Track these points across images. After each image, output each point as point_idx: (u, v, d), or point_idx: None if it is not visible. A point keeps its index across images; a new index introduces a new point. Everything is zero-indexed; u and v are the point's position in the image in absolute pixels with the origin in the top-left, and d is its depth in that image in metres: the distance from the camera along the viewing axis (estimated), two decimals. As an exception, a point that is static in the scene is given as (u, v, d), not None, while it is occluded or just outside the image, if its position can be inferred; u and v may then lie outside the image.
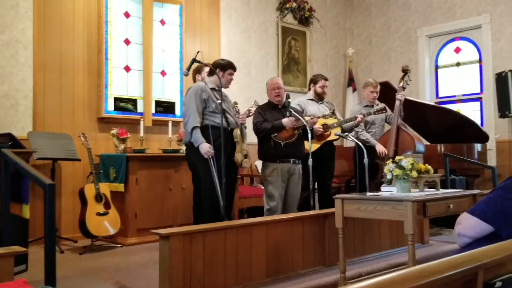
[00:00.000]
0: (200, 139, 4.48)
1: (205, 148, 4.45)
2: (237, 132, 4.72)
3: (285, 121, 4.92)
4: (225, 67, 4.77)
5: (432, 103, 7.74)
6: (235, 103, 4.90)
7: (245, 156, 4.72)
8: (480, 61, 7.95)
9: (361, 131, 5.95)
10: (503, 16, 7.58)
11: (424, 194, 3.62)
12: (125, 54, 6.19)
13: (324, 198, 5.50)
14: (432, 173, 3.89)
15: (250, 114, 5.11)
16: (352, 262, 4.29)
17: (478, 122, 7.59)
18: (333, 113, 5.28)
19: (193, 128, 4.53)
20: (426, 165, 3.91)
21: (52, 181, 2.70)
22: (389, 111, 6.09)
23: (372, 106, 6.07)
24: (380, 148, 5.83)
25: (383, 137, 5.98)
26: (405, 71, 6.10)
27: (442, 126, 6.67)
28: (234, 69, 4.84)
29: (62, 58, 5.77)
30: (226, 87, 4.79)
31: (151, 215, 5.55)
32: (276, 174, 4.92)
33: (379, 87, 6.16)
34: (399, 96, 5.93)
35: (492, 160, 7.32)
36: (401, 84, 6.05)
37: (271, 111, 5.10)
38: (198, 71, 5.35)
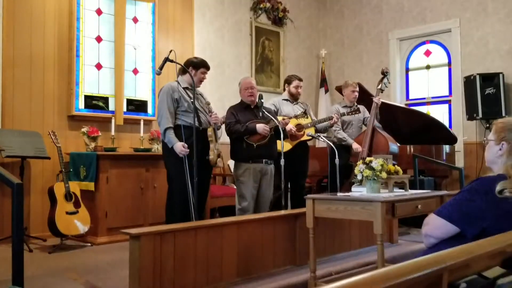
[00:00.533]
0: (174, 140, 4.49)
1: (179, 147, 4.47)
2: (210, 131, 4.71)
3: (259, 128, 4.91)
4: (197, 65, 4.77)
5: (402, 105, 7.85)
6: (208, 104, 4.87)
7: (219, 156, 4.72)
8: (449, 64, 8.08)
9: (338, 130, 6.01)
10: (471, 21, 7.73)
11: (393, 194, 3.66)
12: (97, 52, 6.11)
13: (297, 198, 5.53)
14: (401, 174, 3.93)
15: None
16: (322, 261, 4.32)
17: (446, 124, 7.73)
18: (304, 113, 5.29)
19: (166, 129, 4.54)
20: (396, 166, 3.96)
21: (20, 181, 2.65)
22: (366, 113, 6.16)
23: (351, 107, 6.13)
24: (356, 145, 5.89)
25: (358, 138, 6.04)
26: (384, 74, 6.16)
27: (412, 128, 6.77)
28: (207, 67, 4.83)
29: (32, 54, 5.67)
30: (198, 86, 4.78)
31: (122, 214, 5.50)
32: (248, 174, 4.93)
33: (358, 87, 6.22)
34: (376, 99, 5.99)
35: (460, 162, 7.46)
36: (379, 86, 6.11)
37: (243, 112, 5.10)
38: (181, 70, 5.34)
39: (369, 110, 6.11)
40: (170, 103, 4.58)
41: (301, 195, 5.47)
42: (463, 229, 2.05)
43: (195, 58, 4.92)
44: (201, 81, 4.81)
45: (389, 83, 6.25)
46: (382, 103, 6.28)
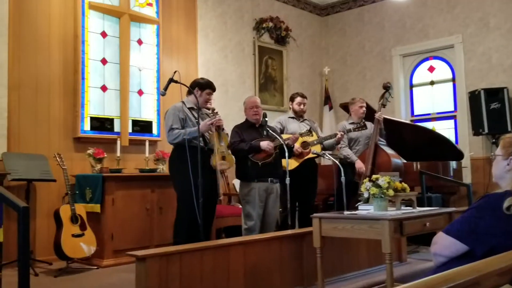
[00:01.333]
0: (189, 129, 4.57)
1: (205, 126, 4.58)
2: (213, 135, 4.70)
3: (263, 144, 4.93)
4: (203, 86, 4.81)
5: (408, 121, 7.86)
6: (213, 110, 4.85)
7: (223, 158, 4.68)
8: (453, 79, 8.10)
9: (343, 147, 6.00)
10: (473, 36, 7.76)
11: (400, 212, 3.65)
12: (102, 74, 6.16)
13: (305, 217, 5.50)
14: (408, 191, 3.93)
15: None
16: (331, 281, 4.29)
17: (452, 140, 7.71)
18: (309, 131, 5.29)
19: (175, 128, 4.61)
20: (402, 183, 3.94)
21: (27, 204, 2.65)
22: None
23: (359, 123, 6.13)
24: (359, 164, 5.87)
25: (362, 155, 6.03)
26: (386, 88, 6.17)
27: (418, 144, 6.76)
28: (213, 89, 4.87)
29: (37, 77, 5.72)
30: (203, 106, 4.81)
31: (128, 236, 5.49)
32: (254, 194, 4.92)
33: (365, 103, 6.23)
34: (377, 115, 5.99)
35: (467, 178, 7.43)
36: (381, 102, 6.11)
37: (248, 131, 5.12)
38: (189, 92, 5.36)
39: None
40: (177, 119, 4.65)
41: (310, 214, 5.44)
42: (472, 247, 2.03)
43: (202, 79, 4.98)
44: (206, 102, 4.84)
45: (391, 97, 6.26)
46: (387, 119, 6.28)
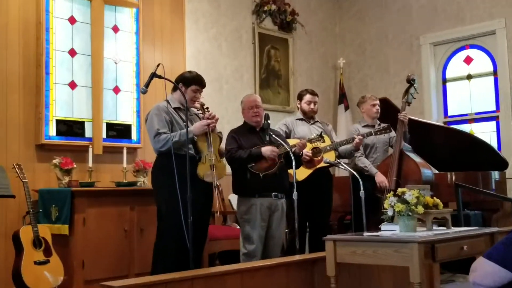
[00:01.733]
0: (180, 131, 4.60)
1: (200, 125, 4.63)
2: (199, 141, 4.70)
3: (265, 150, 4.93)
4: (188, 81, 4.80)
5: (440, 124, 7.85)
6: (203, 106, 4.85)
7: (211, 168, 4.67)
8: (495, 73, 8.10)
9: (359, 156, 6.00)
10: (520, 20, 7.77)
11: (432, 233, 3.65)
12: (70, 68, 6.16)
13: (317, 239, 5.48)
14: (441, 207, 3.93)
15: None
16: (348, 317, 4.28)
17: (494, 145, 7.71)
18: (320, 136, 5.27)
19: (162, 133, 4.63)
20: (434, 198, 3.94)
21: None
22: (393, 133, 6.15)
23: (374, 125, 6.12)
24: (380, 178, 5.86)
25: (383, 165, 6.02)
26: (410, 82, 6.17)
27: (452, 151, 6.76)
28: (201, 84, 4.86)
29: (-8, 72, 5.73)
30: (190, 106, 4.80)
31: (102, 263, 5.48)
32: (255, 212, 4.92)
33: (378, 101, 6.24)
34: (401, 115, 5.99)
35: (512, 191, 7.42)
36: (405, 99, 6.12)
37: (247, 135, 5.12)
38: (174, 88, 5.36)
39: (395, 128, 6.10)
40: (162, 120, 4.65)
41: (322, 236, 5.43)
42: (520, 275, 2.03)
43: (189, 72, 4.98)
44: (193, 101, 4.85)
45: (417, 93, 6.26)
46: (414, 121, 6.28)
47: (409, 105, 6.15)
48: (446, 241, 3.60)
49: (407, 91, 6.16)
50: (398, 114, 6.02)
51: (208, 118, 4.75)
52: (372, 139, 6.04)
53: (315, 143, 5.38)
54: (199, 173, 4.62)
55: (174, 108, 4.76)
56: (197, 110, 4.97)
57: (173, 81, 4.80)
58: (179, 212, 4.31)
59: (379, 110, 6.21)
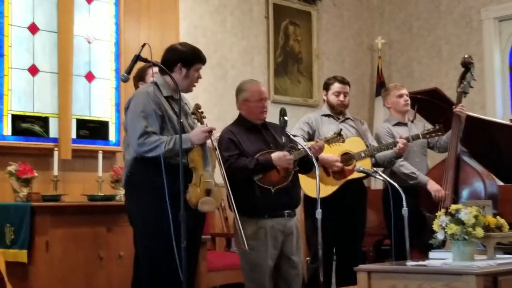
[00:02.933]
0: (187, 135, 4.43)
1: (200, 132, 4.46)
2: (196, 153, 4.53)
3: (276, 157, 4.86)
4: (189, 60, 4.63)
5: (506, 122, 7.80)
6: (198, 109, 4.74)
7: (207, 193, 4.58)
8: None
9: (402, 161, 5.97)
10: None
11: (495, 263, 3.64)
12: (30, 48, 6.19)
13: (347, 270, 5.47)
14: (507, 229, 3.91)
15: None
16: None
17: None
18: (339, 135, 5.19)
19: (149, 133, 4.42)
20: (498, 218, 3.92)
21: None
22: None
23: (406, 123, 6.10)
24: (435, 186, 5.84)
25: (433, 172, 6.00)
26: (467, 66, 6.14)
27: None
28: (203, 60, 4.72)
29: None
30: (190, 90, 4.74)
31: (71, 299, 5.50)
32: (264, 236, 4.90)
33: (405, 89, 6.22)
34: (458, 109, 5.96)
35: None
36: (460, 88, 6.09)
37: (247, 136, 5.07)
38: (140, 76, 5.33)
39: (447, 128, 6.05)
40: (153, 114, 4.47)
41: (354, 265, 5.41)
42: None
43: (182, 45, 4.79)
44: (194, 83, 4.73)
45: (474, 80, 6.22)
46: (472, 118, 6.25)
47: (465, 96, 6.12)
48: (512, 273, 3.59)
49: (462, 78, 6.13)
50: (453, 107, 5.99)
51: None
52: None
53: (334, 143, 5.30)
54: (190, 199, 4.47)
55: (165, 98, 4.62)
56: (188, 108, 4.82)
57: (163, 60, 4.62)
58: (167, 236, 4.27)
59: (408, 102, 6.17)
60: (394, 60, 9.35)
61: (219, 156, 4.74)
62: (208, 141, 4.63)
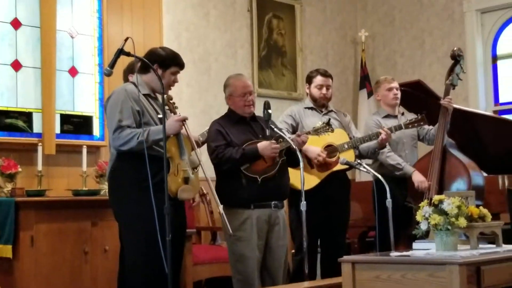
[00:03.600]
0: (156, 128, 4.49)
1: (173, 121, 4.51)
2: (172, 142, 4.58)
3: (262, 147, 4.90)
4: (165, 61, 4.73)
5: (488, 113, 7.84)
6: (170, 100, 4.80)
7: (185, 181, 4.63)
8: (559, 48, 8.11)
9: (388, 152, 6.00)
10: None
11: (477, 252, 3.66)
12: (13, 43, 6.16)
13: (331, 261, 5.48)
14: (489, 220, 3.93)
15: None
16: None
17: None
18: (327, 125, 5.23)
19: (124, 127, 4.47)
20: (481, 208, 3.94)
21: None
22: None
23: (395, 115, 6.12)
24: (419, 177, 5.86)
25: (420, 164, 6.03)
26: (456, 58, 6.15)
27: (504, 149, 6.74)
28: (181, 65, 4.82)
29: None
30: (166, 92, 4.77)
31: (56, 294, 5.50)
32: (250, 227, 4.93)
33: (396, 83, 6.24)
34: (446, 101, 5.98)
35: None
36: (449, 80, 6.10)
37: (235, 128, 5.11)
38: (132, 69, 5.34)
39: (431, 119, 6.07)
40: (128, 110, 4.52)
41: (338, 257, 5.43)
42: None
43: (162, 49, 4.90)
44: (170, 86, 4.80)
45: (463, 72, 6.24)
46: (456, 110, 6.27)
47: (453, 88, 6.14)
48: (495, 262, 3.61)
49: (451, 70, 6.14)
50: (441, 99, 6.00)
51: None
52: (398, 133, 6.01)
53: (323, 134, 5.33)
54: (169, 188, 4.47)
55: (144, 96, 4.68)
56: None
57: (147, 60, 4.70)
58: (152, 230, 4.28)
59: (398, 95, 6.19)
60: (377, 53, 9.37)
61: (195, 144, 4.82)
62: (183, 131, 4.68)
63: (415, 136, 6.25)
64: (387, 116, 6.17)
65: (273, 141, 4.93)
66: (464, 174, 5.87)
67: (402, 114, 6.19)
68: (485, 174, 6.52)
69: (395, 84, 6.22)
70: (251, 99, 5.14)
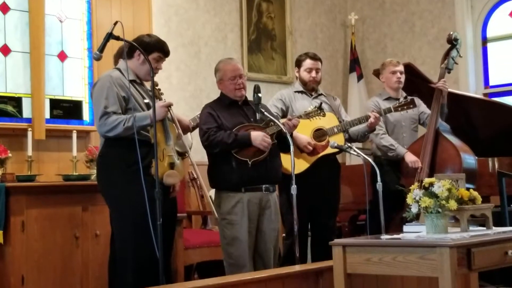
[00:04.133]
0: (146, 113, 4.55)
1: (158, 107, 4.52)
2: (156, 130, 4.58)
3: (255, 136, 4.92)
4: (148, 47, 4.72)
5: (478, 96, 7.85)
6: (155, 85, 4.80)
7: (171, 166, 4.64)
8: (549, 30, 8.12)
9: (382, 134, 6.01)
10: None
11: (468, 235, 3.67)
12: (1, 28, 6.14)
13: (321, 245, 5.51)
14: (480, 202, 3.94)
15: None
16: None
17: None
18: (319, 109, 5.25)
19: (110, 113, 4.52)
20: (471, 190, 3.95)
21: None
22: (423, 107, 6.14)
23: (398, 98, 6.12)
24: (411, 158, 5.88)
25: (413, 146, 6.05)
26: (452, 42, 6.15)
27: (494, 131, 6.76)
28: (164, 52, 4.82)
29: None
30: (147, 79, 4.78)
31: (47, 280, 5.48)
32: (241, 210, 4.94)
33: (402, 66, 6.23)
34: (441, 84, 5.99)
35: None
36: (444, 64, 6.11)
37: (227, 111, 5.12)
38: (121, 54, 5.33)
39: (425, 104, 6.10)
40: (113, 96, 4.56)
41: (328, 241, 5.45)
42: None
43: (149, 36, 4.92)
44: (153, 72, 4.78)
45: (460, 56, 6.24)
46: (450, 94, 6.28)
47: (449, 72, 6.15)
48: (485, 244, 3.62)
49: (447, 55, 6.15)
50: (434, 84, 6.00)
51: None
52: (396, 116, 6.03)
53: (314, 117, 5.34)
54: (154, 173, 4.49)
55: (130, 81, 4.65)
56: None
57: (137, 44, 4.70)
58: (143, 214, 4.29)
59: (401, 79, 6.19)
60: (367, 36, 9.36)
61: (180, 130, 4.84)
62: (168, 115, 4.74)
63: (415, 120, 6.25)
64: (389, 98, 6.16)
65: (267, 135, 4.95)
66: (455, 157, 5.87)
67: (405, 97, 6.18)
68: (476, 157, 6.55)
69: (399, 68, 6.20)
70: (242, 82, 5.13)
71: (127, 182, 4.48)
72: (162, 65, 4.89)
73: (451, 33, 6.22)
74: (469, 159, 5.96)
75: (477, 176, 5.98)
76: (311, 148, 5.55)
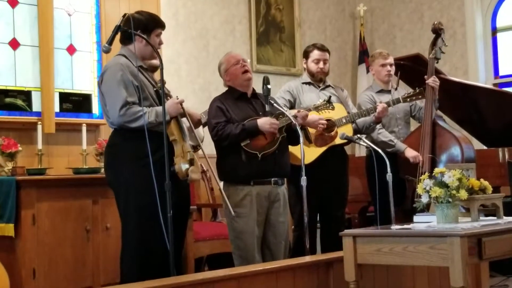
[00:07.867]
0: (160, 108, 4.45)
1: (173, 103, 4.54)
2: (172, 126, 4.57)
3: (262, 122, 4.93)
4: (147, 25, 4.65)
5: (489, 86, 7.84)
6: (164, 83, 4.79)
7: (191, 162, 4.60)
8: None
9: (380, 129, 6.01)
10: None
11: (478, 224, 3.68)
12: (11, 21, 6.15)
13: (331, 236, 5.53)
14: (490, 192, 3.94)
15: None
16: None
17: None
18: (328, 102, 5.27)
19: (129, 104, 4.44)
20: (482, 180, 3.96)
21: None
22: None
23: (389, 90, 6.12)
24: (412, 153, 5.87)
25: (409, 139, 6.05)
26: (437, 32, 6.16)
27: (504, 121, 6.76)
28: (163, 25, 4.78)
29: None
30: (154, 57, 4.76)
31: (58, 273, 5.51)
32: (250, 203, 4.96)
33: (392, 58, 6.22)
34: (431, 81, 5.97)
35: None
36: (432, 54, 6.11)
37: (236, 105, 5.13)
38: (122, 40, 5.31)
39: None
40: (131, 85, 4.48)
41: (337, 232, 5.46)
42: None
43: (139, 13, 4.80)
44: (157, 49, 4.75)
45: (445, 45, 6.23)
46: (456, 84, 6.28)
47: (437, 62, 6.14)
48: (496, 234, 3.62)
49: (434, 44, 6.14)
50: (426, 78, 6.00)
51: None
52: (391, 109, 6.00)
53: (323, 110, 5.36)
54: (179, 170, 4.50)
55: (137, 67, 4.60)
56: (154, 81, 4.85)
57: (122, 30, 4.57)
58: (154, 205, 4.29)
59: (391, 72, 6.17)
60: (376, 27, 9.35)
61: (191, 123, 4.83)
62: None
63: (408, 111, 6.24)
64: (381, 91, 6.16)
65: (273, 118, 4.95)
66: (456, 147, 5.87)
67: (396, 89, 6.18)
68: (483, 147, 6.55)
69: (389, 60, 6.18)
70: (245, 65, 5.14)
71: (139, 174, 4.47)
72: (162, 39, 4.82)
73: (435, 22, 6.21)
74: (469, 150, 5.95)
75: (482, 166, 5.96)
76: (325, 122, 5.54)
